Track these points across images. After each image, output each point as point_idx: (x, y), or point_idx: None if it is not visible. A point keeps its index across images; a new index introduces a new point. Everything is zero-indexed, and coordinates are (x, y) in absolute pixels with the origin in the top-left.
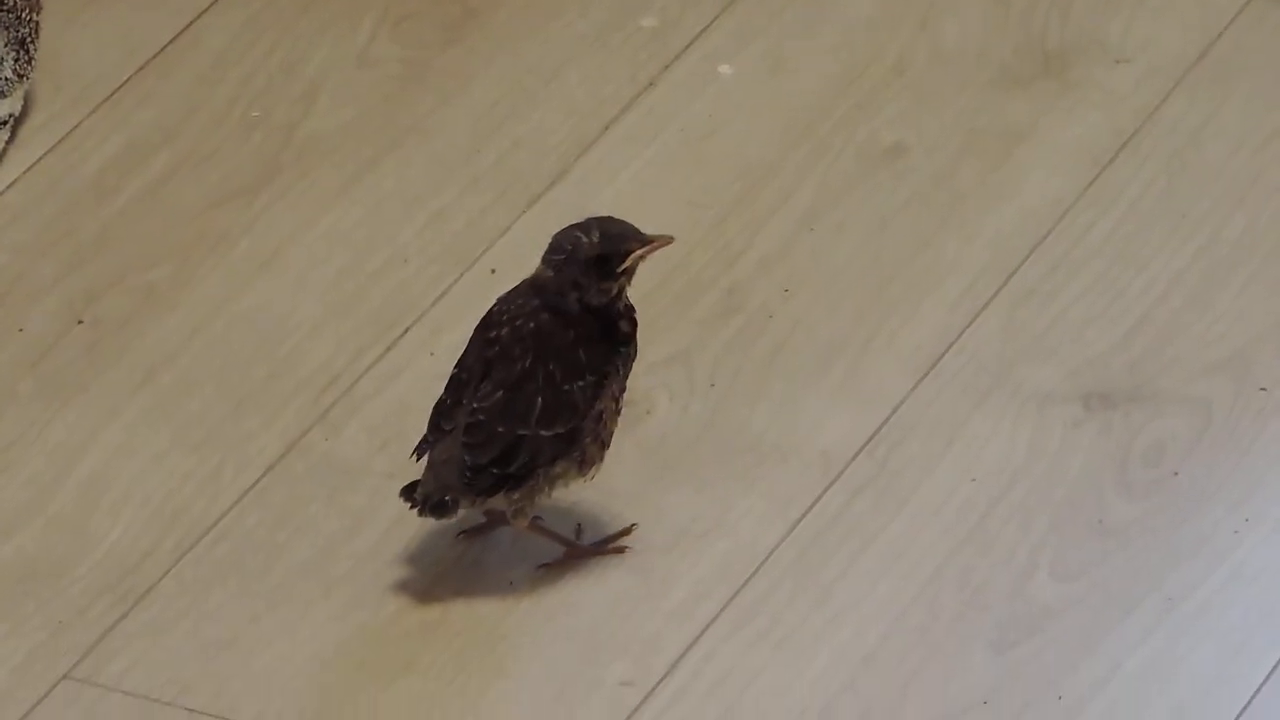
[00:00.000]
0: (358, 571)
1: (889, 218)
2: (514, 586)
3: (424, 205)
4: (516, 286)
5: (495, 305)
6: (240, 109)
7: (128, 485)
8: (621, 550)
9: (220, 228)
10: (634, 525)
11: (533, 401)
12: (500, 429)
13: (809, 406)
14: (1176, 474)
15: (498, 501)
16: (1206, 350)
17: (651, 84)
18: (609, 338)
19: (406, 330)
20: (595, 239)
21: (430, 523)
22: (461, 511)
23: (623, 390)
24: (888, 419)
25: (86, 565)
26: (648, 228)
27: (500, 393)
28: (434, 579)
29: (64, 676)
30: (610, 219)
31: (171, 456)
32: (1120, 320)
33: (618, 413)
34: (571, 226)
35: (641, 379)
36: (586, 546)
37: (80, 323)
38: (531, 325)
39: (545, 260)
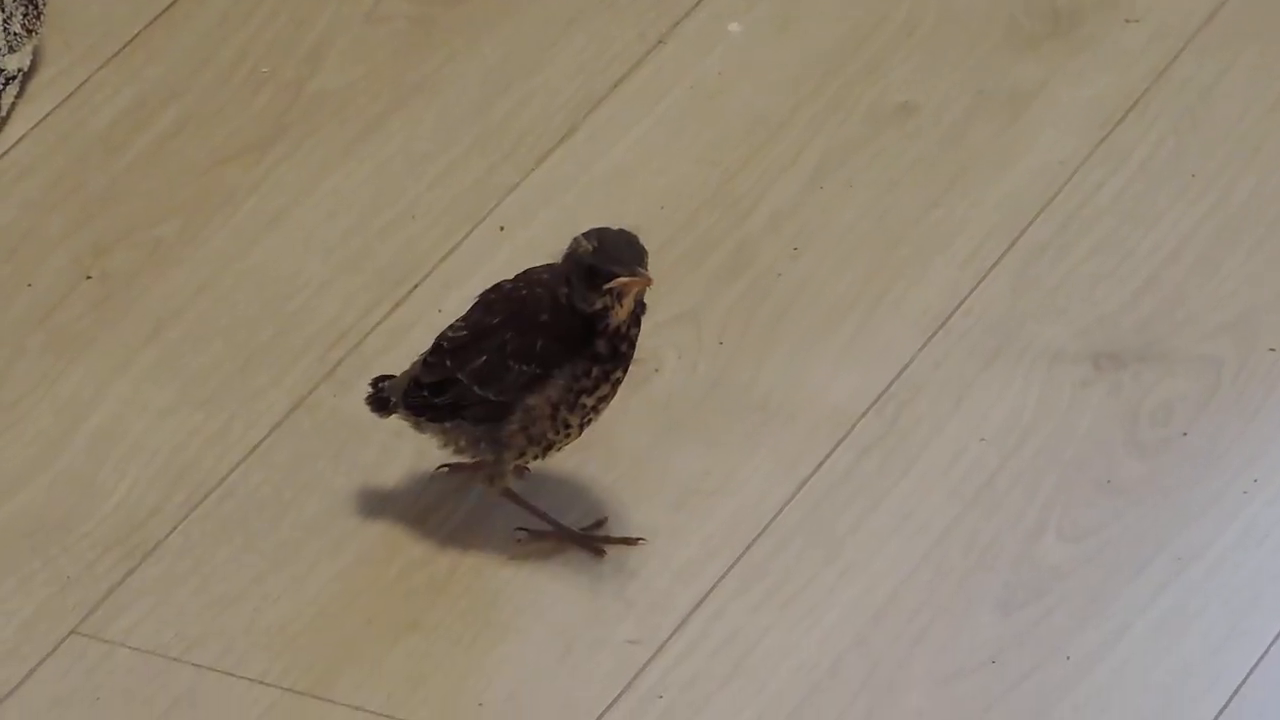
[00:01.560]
0: (365, 529)
1: (898, 177)
2: (521, 545)
3: (432, 162)
4: (548, 264)
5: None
6: (248, 65)
7: (135, 441)
8: (602, 552)
9: (228, 184)
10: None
11: (478, 356)
12: (448, 362)
13: (818, 365)
14: (1185, 434)
15: (439, 438)
16: (1215, 310)
17: (661, 41)
18: (578, 347)
19: (415, 287)
20: (591, 247)
21: (439, 481)
22: (394, 417)
23: (578, 408)
24: (896, 378)
25: (94, 521)
26: (656, 185)
27: (466, 333)
28: (441, 537)
29: (71, 632)
30: (622, 237)
31: (179, 412)
32: (1129, 280)
33: (560, 427)
34: (595, 229)
35: (650, 337)
36: (574, 531)
37: (88, 278)
38: (524, 292)
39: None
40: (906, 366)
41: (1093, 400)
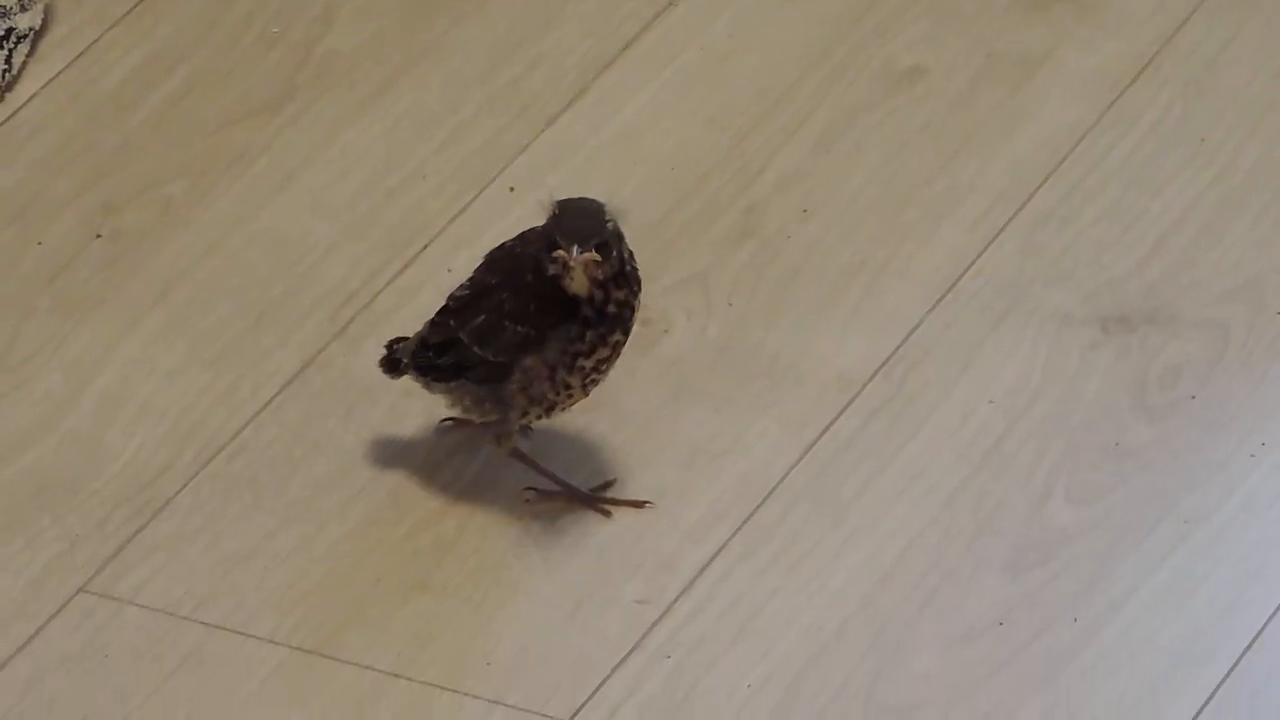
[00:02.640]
0: (374, 488)
1: (907, 141)
2: (530, 505)
3: (442, 124)
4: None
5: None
6: (259, 26)
7: (145, 400)
8: (608, 513)
9: (238, 144)
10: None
11: (477, 316)
12: (451, 322)
13: (826, 328)
14: (1193, 397)
15: (446, 397)
16: (1223, 275)
17: (671, 4)
18: (566, 310)
19: (424, 247)
20: (553, 214)
21: (449, 441)
22: (405, 379)
23: (576, 370)
24: (904, 341)
25: (103, 479)
26: (665, 148)
27: (469, 293)
28: (451, 496)
29: (80, 590)
30: (587, 209)
31: (188, 372)
32: (1137, 244)
33: (560, 388)
34: (567, 198)
35: (659, 299)
36: (582, 492)
37: (98, 237)
38: (518, 251)
39: None
40: (915, 329)
41: (1101, 364)
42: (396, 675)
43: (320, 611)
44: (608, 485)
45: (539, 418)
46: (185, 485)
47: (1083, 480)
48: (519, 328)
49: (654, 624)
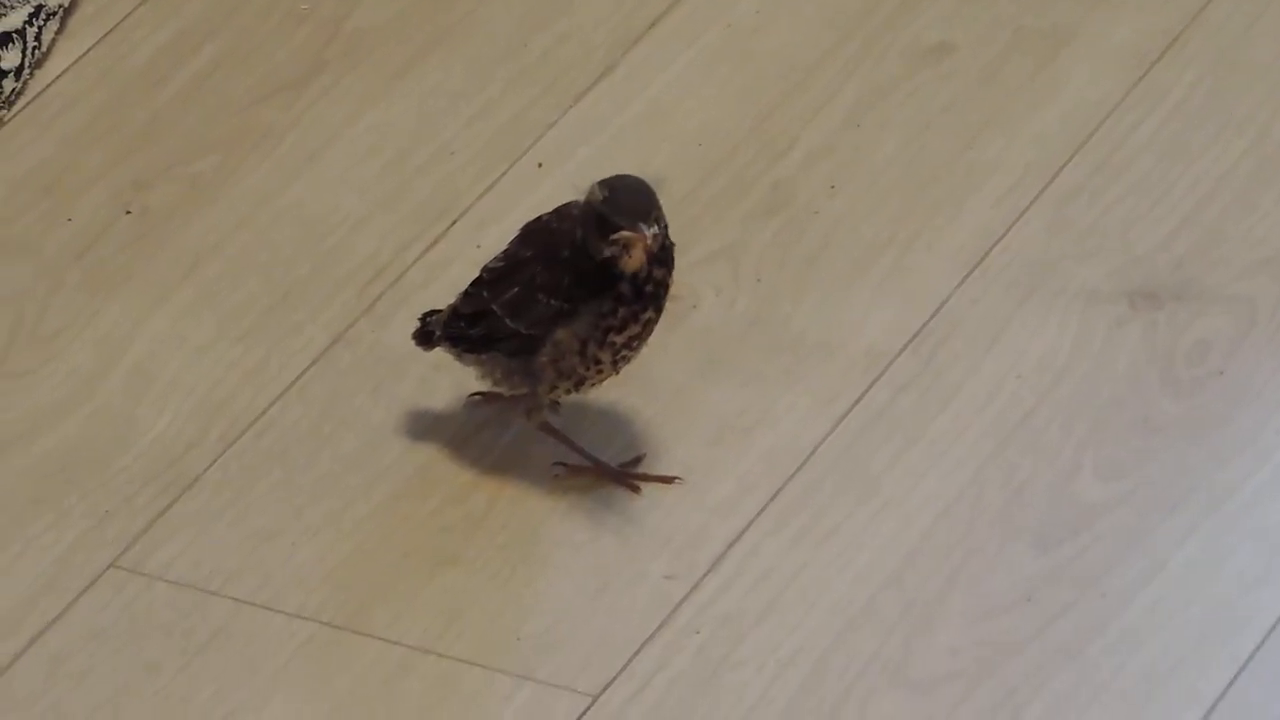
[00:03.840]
0: (402, 464)
1: (934, 116)
2: (559, 481)
3: (470, 100)
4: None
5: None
6: (287, 3)
7: (173, 376)
8: (637, 489)
9: (266, 121)
10: (678, 477)
11: (510, 287)
12: (485, 293)
13: (854, 303)
14: (1222, 372)
15: (477, 369)
16: (1252, 249)
17: None
18: (601, 285)
19: (453, 223)
20: (602, 196)
21: (477, 416)
22: (437, 350)
23: (607, 345)
24: (932, 316)
25: (132, 455)
26: (693, 123)
27: (503, 265)
28: (479, 472)
29: (110, 565)
30: (635, 187)
31: (217, 347)
32: (1165, 219)
33: (590, 363)
34: (612, 176)
35: (687, 274)
36: (611, 467)
37: (127, 213)
38: (555, 225)
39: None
40: (943, 304)
41: (1128, 339)
42: (425, 650)
43: (348, 587)
44: (637, 461)
45: (568, 393)
46: (214, 461)
47: (1110, 455)
48: (552, 301)
49: (682, 599)
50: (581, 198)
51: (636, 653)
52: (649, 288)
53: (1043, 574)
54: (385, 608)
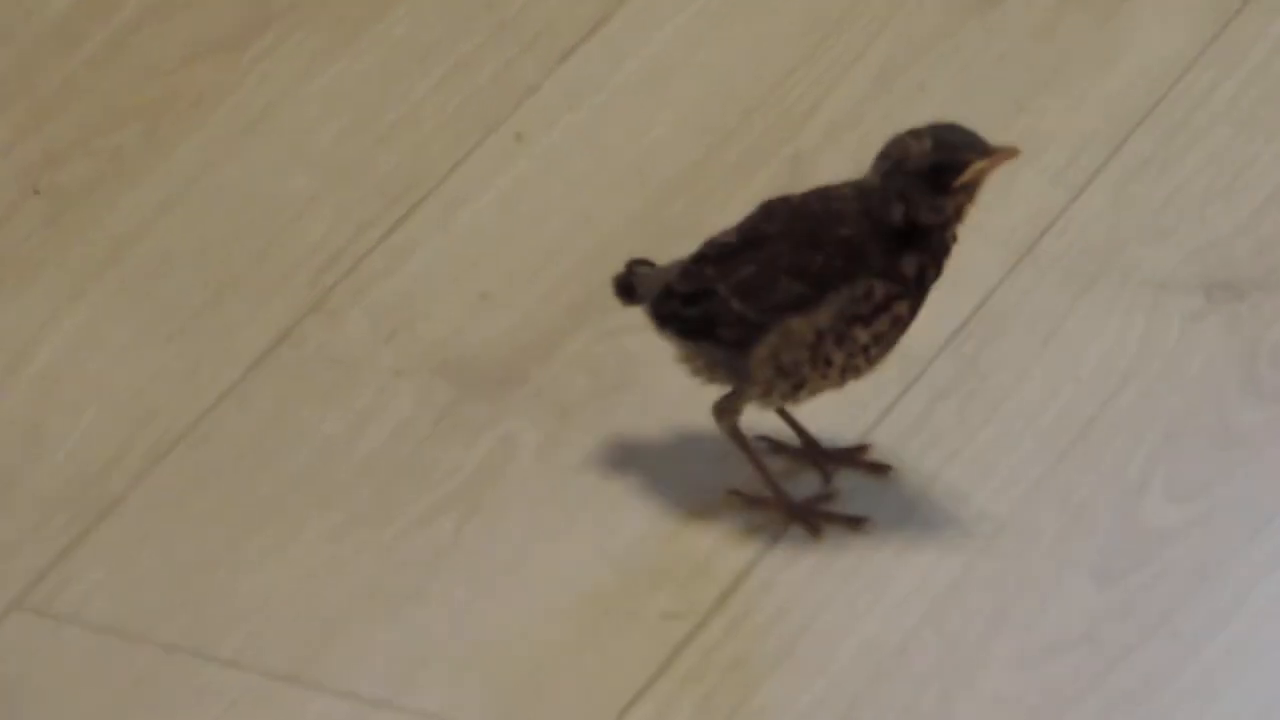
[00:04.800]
0: (359, 484)
1: (979, 77)
2: (539, 504)
3: (440, 58)
4: (846, 181)
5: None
6: None
7: (90, 382)
8: (818, 531)
9: (201, 84)
10: (867, 519)
11: (745, 265)
12: (709, 271)
13: None
14: None
15: (679, 352)
16: None
17: None
18: (869, 264)
19: (418, 203)
20: (927, 146)
21: (446, 428)
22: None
23: (846, 341)
24: (976, 311)
25: (39, 476)
26: (699, 86)
27: (737, 240)
28: (448, 493)
29: (13, 606)
30: (951, 126)
31: (142, 349)
32: (1247, 196)
33: (819, 361)
34: (904, 132)
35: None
36: (799, 505)
37: (36, 193)
38: (817, 206)
39: (873, 167)
40: (988, 297)
41: (1205, 336)
42: (383, 704)
43: (295, 628)
44: (827, 498)
45: (783, 399)
46: (137, 482)
47: (1184, 472)
48: (795, 284)
49: (685, 641)
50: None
51: (630, 704)
52: (931, 274)
53: (1105, 610)
54: (337, 654)
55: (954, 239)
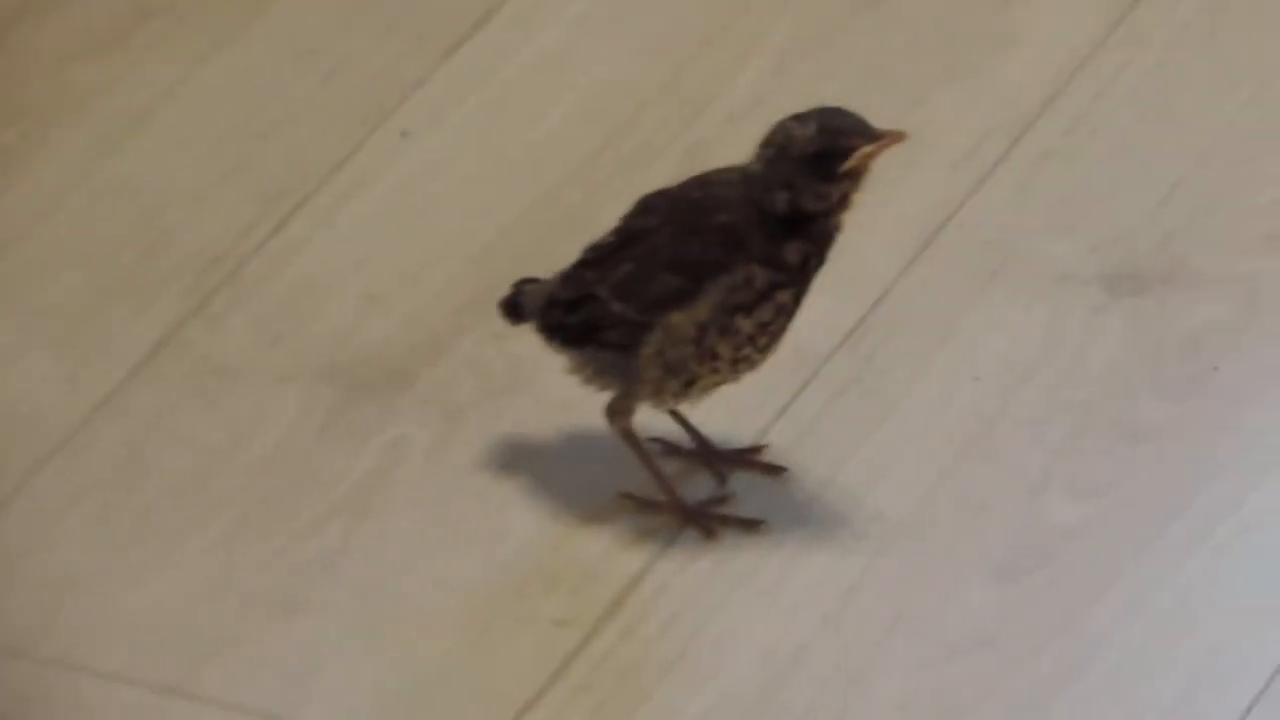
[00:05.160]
0: (243, 493)
1: (878, 66)
2: (429, 509)
3: (323, 54)
4: (728, 167)
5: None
6: None
7: None
8: (713, 534)
9: (80, 83)
10: (763, 522)
11: (621, 265)
12: (589, 275)
13: None
14: (1217, 369)
15: (570, 363)
16: (1254, 222)
17: None
18: (748, 252)
19: (302, 203)
20: (811, 132)
21: (332, 433)
22: (531, 342)
23: (731, 332)
24: (873, 306)
25: None
26: (592, 77)
27: (615, 238)
28: (334, 502)
29: None
30: (836, 110)
31: (20, 354)
32: (1152, 187)
33: (705, 355)
34: (787, 118)
35: None
36: (689, 505)
37: None
38: (698, 194)
39: (757, 154)
40: (886, 293)
41: (1108, 330)
42: (270, 717)
43: (178, 642)
44: (723, 500)
45: (674, 397)
46: (14, 492)
47: (1086, 470)
48: (672, 278)
49: (577, 649)
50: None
51: (521, 713)
52: (814, 262)
53: (1005, 612)
54: (222, 666)
55: (839, 227)
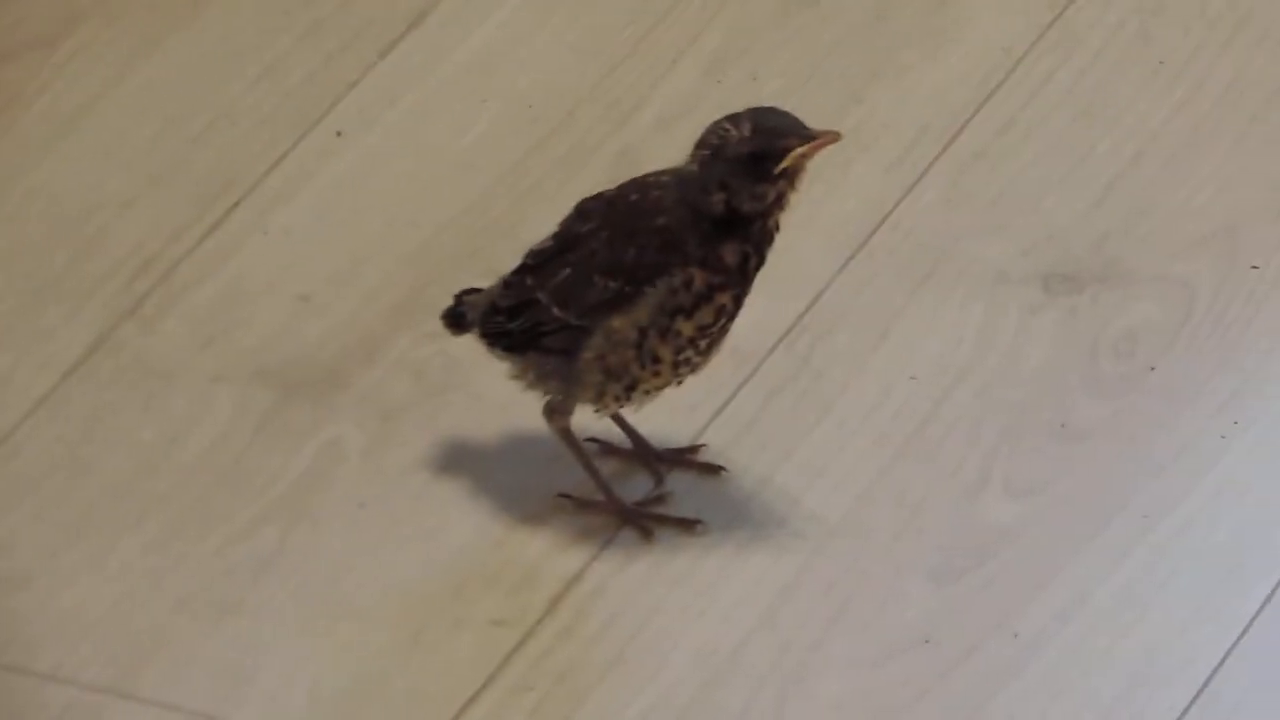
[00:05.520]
0: (178, 493)
1: (811, 67)
2: (365, 511)
3: (256, 55)
4: (665, 169)
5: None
6: None
7: None
8: (650, 533)
9: (10, 85)
10: (700, 522)
11: (561, 269)
12: (529, 280)
13: None
14: (1153, 369)
15: (513, 369)
16: (1188, 222)
17: None
18: (686, 254)
19: (235, 205)
20: (745, 132)
21: (268, 434)
22: (467, 341)
23: (670, 335)
24: (809, 307)
25: None
26: (523, 81)
27: (553, 242)
28: (270, 502)
29: None
30: (770, 110)
31: None
32: (1086, 187)
33: (646, 359)
34: (722, 119)
35: (517, 258)
36: (627, 505)
37: None
38: (634, 197)
39: (692, 156)
40: (822, 293)
41: (1043, 330)
42: (206, 717)
43: (113, 642)
44: (660, 500)
45: (616, 400)
46: None
47: (1023, 468)
48: (610, 282)
49: (513, 650)
50: (390, 169)
51: (459, 714)
52: (753, 262)
53: (942, 611)
54: (158, 666)
55: (776, 227)
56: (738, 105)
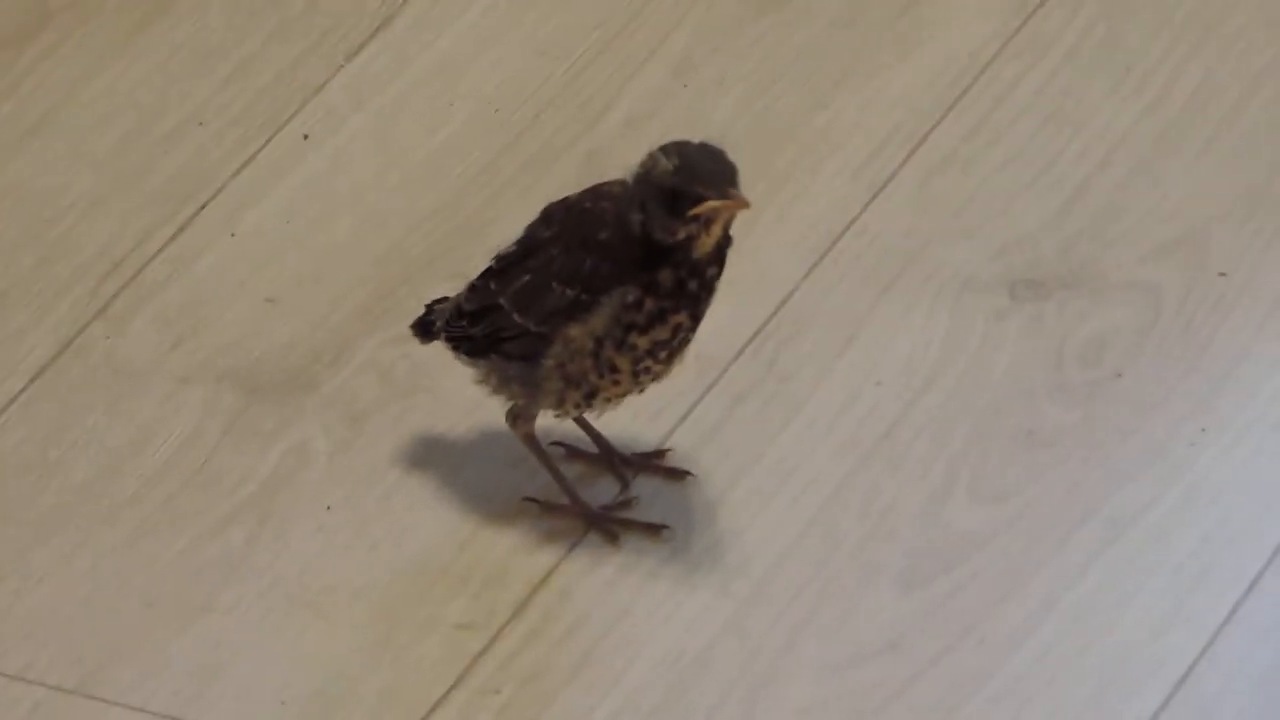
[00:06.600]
0: (146, 494)
1: (779, 70)
2: (332, 513)
3: (223, 57)
4: (622, 178)
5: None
6: None
7: None
8: (616, 538)
9: None
10: (666, 527)
11: (522, 275)
12: (492, 285)
13: None
14: (1120, 375)
15: (477, 374)
16: (1156, 228)
17: None
18: (634, 272)
19: (203, 207)
20: (672, 167)
21: (236, 435)
22: (435, 344)
23: (626, 347)
24: (776, 311)
25: None
26: (491, 83)
27: (517, 248)
28: (238, 504)
29: None
30: (707, 152)
31: None
32: (1053, 193)
33: (604, 369)
34: (674, 143)
35: (485, 261)
36: (593, 509)
37: None
38: (588, 205)
39: (632, 171)
40: (788, 298)
41: (1010, 336)
42: (174, 717)
43: (82, 643)
44: (626, 504)
45: (577, 408)
46: None
47: (989, 475)
48: (567, 291)
49: (480, 653)
50: (356, 173)
51: (426, 717)
52: (694, 284)
53: (910, 616)
54: (127, 667)
55: (709, 262)
56: (705, 108)
